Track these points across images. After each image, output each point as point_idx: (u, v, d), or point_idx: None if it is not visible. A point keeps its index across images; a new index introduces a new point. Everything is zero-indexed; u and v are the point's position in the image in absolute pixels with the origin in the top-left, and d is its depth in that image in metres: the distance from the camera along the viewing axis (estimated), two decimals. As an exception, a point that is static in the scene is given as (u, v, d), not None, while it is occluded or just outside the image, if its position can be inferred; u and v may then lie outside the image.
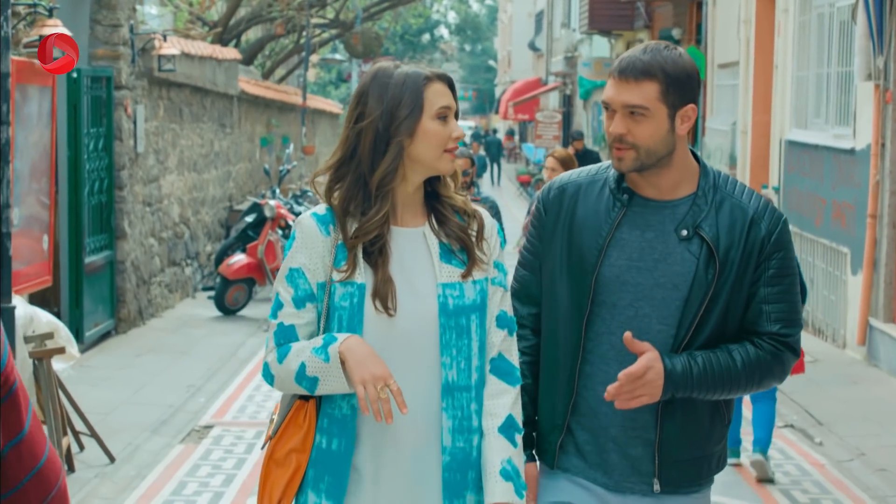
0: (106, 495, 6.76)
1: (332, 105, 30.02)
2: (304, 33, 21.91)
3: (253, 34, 24.47)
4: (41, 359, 6.70)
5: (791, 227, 3.09)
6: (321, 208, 2.95)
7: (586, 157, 17.97)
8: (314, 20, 22.92)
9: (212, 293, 13.07)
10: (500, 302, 2.99)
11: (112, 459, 7.25)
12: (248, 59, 21.16)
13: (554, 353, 3.10)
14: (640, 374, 2.90)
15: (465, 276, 2.92)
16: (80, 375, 8.92)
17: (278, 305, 2.92)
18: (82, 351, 9.66)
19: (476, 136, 42.76)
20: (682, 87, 2.97)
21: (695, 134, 18.29)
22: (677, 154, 3.02)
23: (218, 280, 12.81)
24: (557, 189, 3.14)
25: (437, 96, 2.89)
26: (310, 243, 2.90)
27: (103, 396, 8.72)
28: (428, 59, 59.86)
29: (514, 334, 3.01)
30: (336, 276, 2.88)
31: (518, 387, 2.98)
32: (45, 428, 5.50)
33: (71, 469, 6.98)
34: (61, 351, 6.83)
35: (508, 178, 40.84)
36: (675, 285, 2.98)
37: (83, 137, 10.42)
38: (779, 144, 13.51)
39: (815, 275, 11.89)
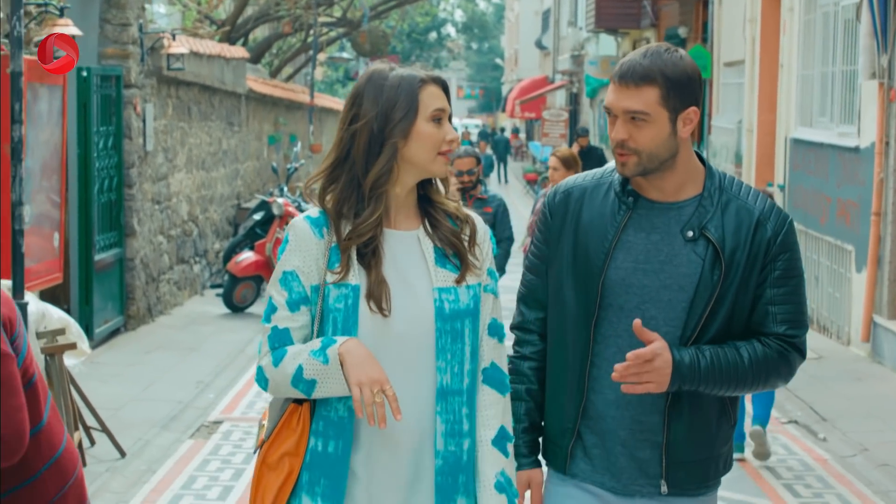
0: (117, 489, 6.83)
1: (339, 103, 29.99)
2: (312, 32, 21.96)
3: (260, 33, 24.53)
4: (53, 354, 6.76)
5: (796, 224, 3.13)
6: (314, 211, 2.95)
7: (590, 154, 17.95)
8: (321, 19, 22.95)
9: (220, 290, 13.11)
10: (492, 309, 3.01)
11: (123, 454, 7.32)
12: (255, 58, 21.21)
13: (562, 357, 3.09)
14: (649, 358, 2.88)
15: (458, 280, 2.93)
16: (91, 371, 9.01)
17: (272, 309, 2.91)
18: (92, 347, 9.73)
19: (483, 135, 42.74)
20: (683, 90, 2.95)
21: (701, 132, 18.33)
22: (681, 156, 3.01)
23: (226, 277, 12.88)
24: (563, 193, 3.13)
25: (431, 99, 2.90)
26: (303, 246, 2.90)
27: (113, 392, 8.79)
28: (435, 58, 59.94)
29: (504, 341, 3.04)
30: (330, 278, 2.87)
31: (508, 395, 3.02)
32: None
33: (82, 463, 7.04)
34: (73, 347, 6.88)
35: (515, 177, 40.81)
36: (682, 287, 2.98)
37: (93, 136, 10.49)
38: (784, 142, 13.55)
39: (819, 272, 11.94)
